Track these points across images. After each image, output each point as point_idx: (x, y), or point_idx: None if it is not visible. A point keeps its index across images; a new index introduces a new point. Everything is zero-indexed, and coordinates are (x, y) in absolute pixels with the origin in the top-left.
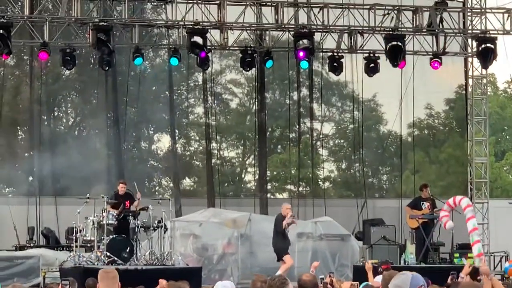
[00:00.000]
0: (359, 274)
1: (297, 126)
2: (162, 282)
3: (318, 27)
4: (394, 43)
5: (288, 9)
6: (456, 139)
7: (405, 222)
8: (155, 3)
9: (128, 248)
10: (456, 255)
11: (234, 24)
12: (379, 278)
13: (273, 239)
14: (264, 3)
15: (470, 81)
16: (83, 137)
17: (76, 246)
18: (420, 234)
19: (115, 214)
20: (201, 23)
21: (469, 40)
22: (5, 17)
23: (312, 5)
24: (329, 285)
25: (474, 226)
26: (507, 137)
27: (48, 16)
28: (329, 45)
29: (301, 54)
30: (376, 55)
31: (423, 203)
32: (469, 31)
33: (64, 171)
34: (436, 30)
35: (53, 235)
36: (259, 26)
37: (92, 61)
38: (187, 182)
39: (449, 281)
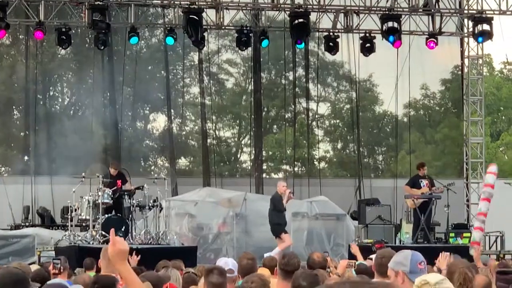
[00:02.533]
0: (353, 256)
1: (293, 106)
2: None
3: (314, 6)
4: (390, 23)
5: None
6: (452, 119)
7: (402, 203)
8: None
9: (124, 227)
10: (452, 235)
11: (230, 4)
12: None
13: (269, 216)
14: None
15: (466, 61)
16: (78, 117)
17: (72, 225)
18: (419, 213)
19: (110, 193)
20: (196, 3)
21: (465, 20)
22: None
23: None
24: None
25: (481, 211)
26: (503, 117)
27: None
28: (325, 25)
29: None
30: (372, 35)
31: (421, 181)
32: (465, 11)
33: (60, 151)
34: (432, 10)
35: (49, 214)
36: (255, 6)
37: (88, 40)
38: (182, 161)
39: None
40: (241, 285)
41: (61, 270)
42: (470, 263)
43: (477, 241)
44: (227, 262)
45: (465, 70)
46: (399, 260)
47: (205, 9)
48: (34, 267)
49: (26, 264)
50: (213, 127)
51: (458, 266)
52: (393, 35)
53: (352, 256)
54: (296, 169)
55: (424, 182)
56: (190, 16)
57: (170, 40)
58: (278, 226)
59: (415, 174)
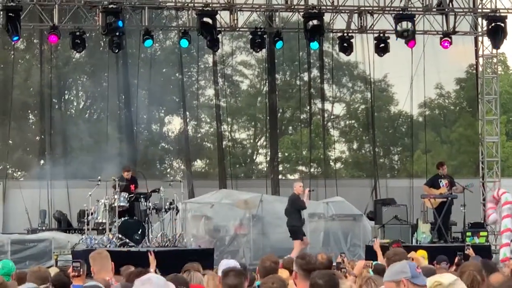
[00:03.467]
0: (372, 254)
1: (308, 107)
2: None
3: (328, 7)
4: (404, 23)
5: None
6: (467, 118)
7: (418, 203)
8: None
9: (140, 230)
10: (468, 234)
11: (243, 5)
12: None
13: (287, 217)
14: None
15: (480, 60)
16: (94, 120)
17: (88, 229)
18: (438, 213)
19: (126, 197)
20: (210, 5)
21: (479, 19)
22: (15, 0)
23: None
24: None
25: (507, 227)
26: None
27: None
28: (339, 25)
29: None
30: (386, 35)
31: (441, 181)
32: (479, 10)
33: (75, 154)
34: (446, 10)
35: (65, 218)
36: (269, 7)
37: (102, 44)
38: (198, 164)
39: (456, 261)
40: (261, 284)
41: (81, 273)
42: (484, 265)
43: (509, 256)
44: (229, 264)
45: (480, 69)
46: (397, 270)
47: (219, 11)
48: (53, 270)
49: (45, 268)
50: (229, 129)
51: (468, 268)
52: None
53: (370, 255)
54: (312, 170)
55: (443, 182)
56: (204, 19)
57: (184, 43)
58: (295, 228)
59: (434, 174)
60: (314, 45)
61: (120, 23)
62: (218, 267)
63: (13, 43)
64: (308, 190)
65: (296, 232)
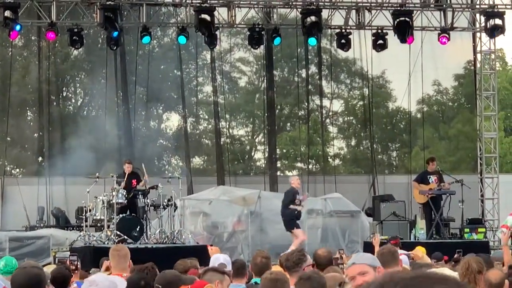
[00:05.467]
0: (370, 250)
1: (306, 104)
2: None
3: (326, 3)
4: (402, 18)
5: None
6: (465, 114)
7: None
8: None
9: (138, 227)
10: (466, 230)
11: (241, 2)
12: None
13: (282, 209)
14: None
15: (478, 56)
16: (92, 117)
17: (86, 226)
18: (429, 209)
19: (124, 193)
20: (208, 1)
21: (477, 15)
22: None
23: None
24: (339, 261)
25: None
26: None
27: None
28: (337, 21)
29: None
30: (384, 31)
31: (429, 177)
32: (477, 6)
33: (73, 151)
34: (444, 6)
35: (63, 215)
36: (267, 4)
37: (100, 40)
38: (196, 160)
39: (455, 257)
40: (262, 277)
41: (78, 267)
42: (484, 259)
43: (508, 225)
44: (218, 258)
45: (478, 65)
46: (372, 257)
47: (217, 8)
48: (51, 267)
49: (35, 262)
50: (227, 126)
51: (466, 259)
52: (406, 31)
53: (368, 251)
54: (310, 166)
55: (432, 178)
56: (202, 16)
57: (182, 39)
58: (289, 220)
59: (424, 170)
60: (312, 41)
61: (115, 34)
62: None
63: (11, 40)
64: (304, 197)
65: (287, 223)
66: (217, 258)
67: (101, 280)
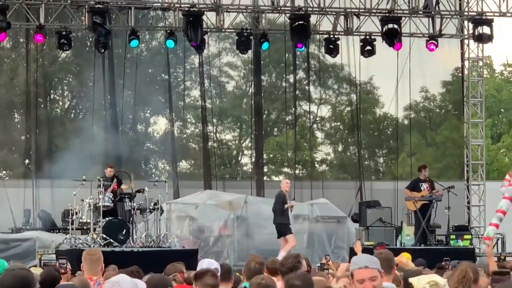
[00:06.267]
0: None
1: (294, 109)
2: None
3: (314, 9)
4: (391, 26)
5: None
6: (453, 121)
7: (403, 205)
8: None
9: (124, 230)
10: (453, 237)
11: (230, 6)
12: None
13: (274, 215)
14: None
15: (466, 63)
16: (79, 120)
17: (72, 229)
18: (422, 215)
19: (111, 196)
20: (197, 5)
21: (465, 22)
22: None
23: None
24: (325, 267)
25: (501, 208)
26: (503, 119)
27: None
28: (325, 27)
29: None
30: (372, 37)
31: (421, 185)
32: (465, 13)
33: (60, 154)
34: (432, 12)
35: (49, 218)
36: (255, 8)
37: (88, 43)
38: (183, 164)
39: (440, 265)
40: (250, 283)
41: (67, 270)
42: (475, 265)
43: (490, 236)
44: (211, 263)
45: (466, 72)
46: (378, 260)
47: (205, 12)
48: (37, 270)
49: (22, 265)
50: (214, 130)
51: (464, 265)
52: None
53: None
54: (297, 171)
55: (424, 186)
56: (190, 19)
57: (170, 43)
58: (284, 225)
59: (416, 177)
60: (301, 49)
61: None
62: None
63: None
64: (291, 205)
65: (284, 229)
66: (210, 263)
67: (124, 281)
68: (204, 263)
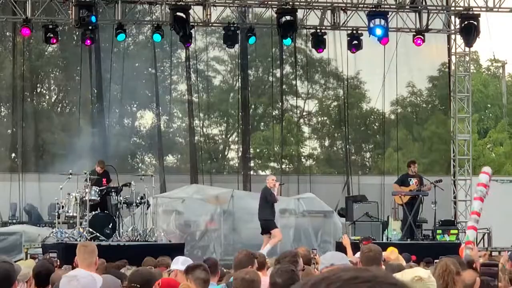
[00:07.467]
0: (342, 250)
1: (280, 104)
2: None
3: (301, 3)
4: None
5: None
6: (439, 116)
7: (389, 200)
8: None
9: (111, 224)
10: (439, 231)
11: (217, 1)
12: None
13: (260, 211)
14: None
15: (453, 58)
16: (66, 114)
17: (59, 223)
18: (408, 209)
19: (97, 190)
20: (184, 0)
21: (452, 17)
22: None
23: None
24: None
25: (474, 209)
26: (490, 114)
27: None
28: (312, 21)
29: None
30: (359, 31)
31: (410, 179)
32: (452, 8)
33: (47, 148)
34: (419, 7)
35: (36, 212)
36: (242, 3)
37: (75, 37)
38: (170, 158)
39: (427, 259)
40: (234, 277)
41: (59, 264)
42: (457, 259)
43: (471, 240)
44: (186, 260)
45: (452, 67)
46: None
47: (192, 6)
48: (23, 264)
49: (9, 259)
50: (201, 124)
51: (441, 260)
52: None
53: (340, 250)
54: (283, 166)
55: (413, 181)
56: (177, 13)
57: (157, 37)
58: (269, 221)
59: (404, 172)
60: (287, 41)
61: (93, 18)
62: (173, 263)
63: None
64: (279, 184)
65: (268, 225)
66: (186, 260)
67: (82, 275)
68: (180, 261)
